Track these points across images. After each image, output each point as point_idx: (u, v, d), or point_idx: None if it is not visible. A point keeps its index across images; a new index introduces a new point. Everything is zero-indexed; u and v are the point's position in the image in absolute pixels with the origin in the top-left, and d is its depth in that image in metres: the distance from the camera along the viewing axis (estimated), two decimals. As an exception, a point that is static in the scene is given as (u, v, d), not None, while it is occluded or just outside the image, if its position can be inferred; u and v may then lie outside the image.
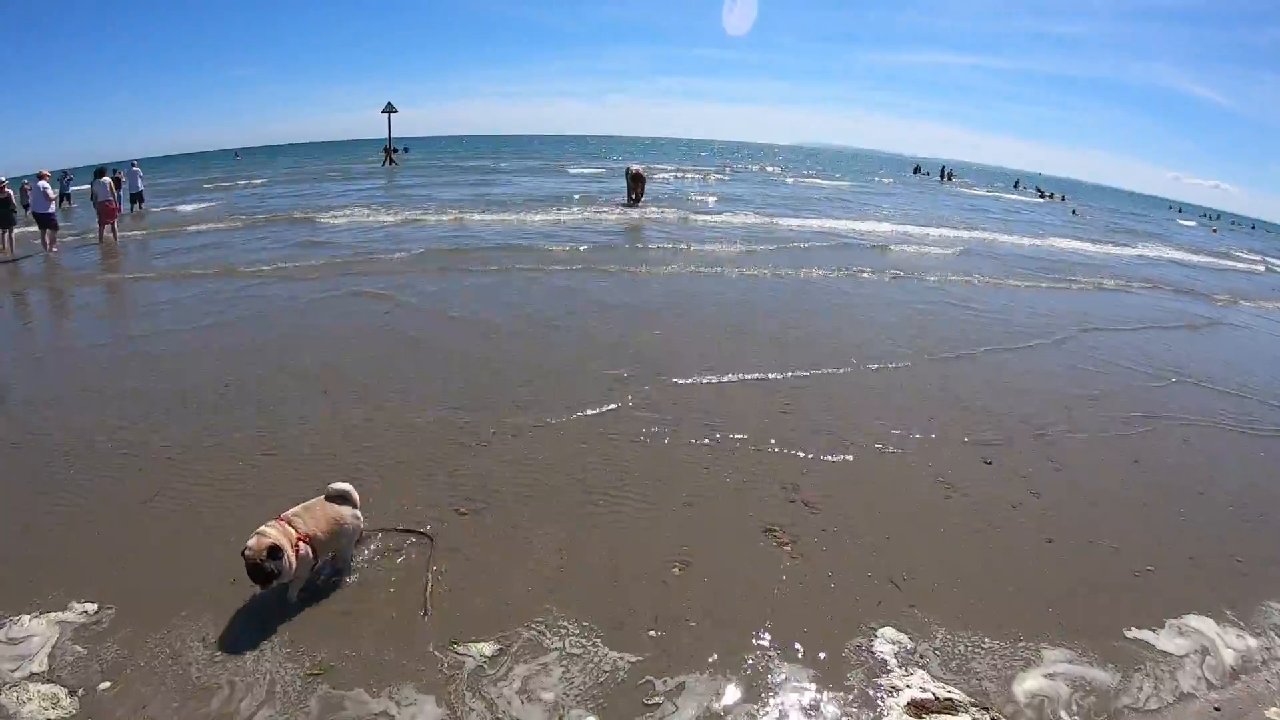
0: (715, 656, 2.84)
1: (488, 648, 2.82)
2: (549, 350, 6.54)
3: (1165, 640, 3.10)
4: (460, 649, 2.81)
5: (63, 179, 20.01)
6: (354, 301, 8.24)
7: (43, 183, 11.99)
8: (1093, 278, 12.95)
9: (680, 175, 32.88)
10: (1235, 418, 6.02)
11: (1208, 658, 3.02)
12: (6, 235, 12.06)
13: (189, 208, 18.66)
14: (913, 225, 18.02)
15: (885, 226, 17.45)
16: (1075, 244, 18.32)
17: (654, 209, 17.80)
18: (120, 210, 14.49)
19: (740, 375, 6.00)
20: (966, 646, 2.96)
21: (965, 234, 17.50)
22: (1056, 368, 6.99)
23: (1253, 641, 3.17)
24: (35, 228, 12.18)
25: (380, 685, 2.63)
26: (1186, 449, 5.28)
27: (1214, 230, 36.19)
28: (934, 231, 17.20)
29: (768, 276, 10.44)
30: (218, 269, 9.98)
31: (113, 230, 13.00)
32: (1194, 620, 3.25)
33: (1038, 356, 7.33)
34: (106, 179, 13.18)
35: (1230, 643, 3.14)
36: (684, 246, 12.53)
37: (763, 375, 6.02)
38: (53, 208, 12.09)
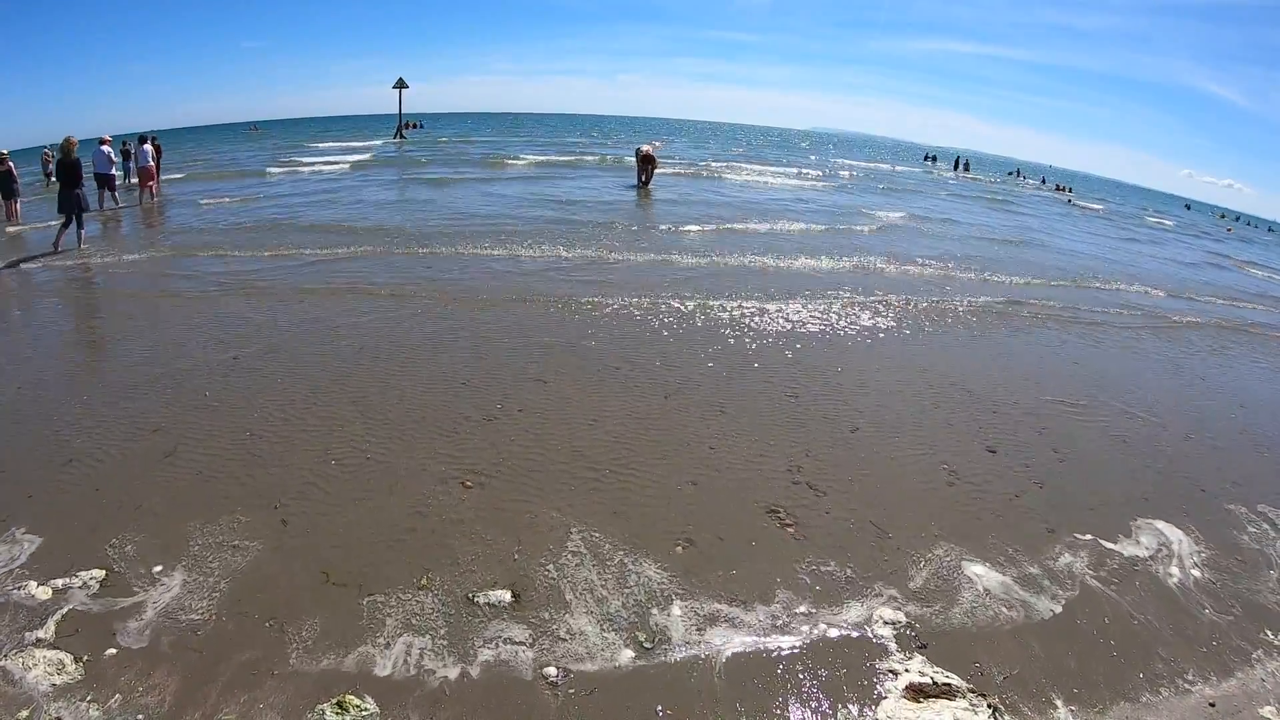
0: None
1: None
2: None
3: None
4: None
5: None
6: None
7: (105, 147, 13.54)
8: None
9: (793, 181, 24.18)
10: None
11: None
12: (12, 205, 12.42)
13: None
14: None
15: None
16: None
17: (868, 258, 10.82)
18: (155, 177, 15.40)
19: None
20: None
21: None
22: None
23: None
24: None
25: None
26: None
27: (1229, 230, 35.66)
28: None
29: None
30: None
31: (149, 193, 14.60)
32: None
33: None
34: (148, 146, 14.77)
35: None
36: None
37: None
38: (114, 169, 13.88)
